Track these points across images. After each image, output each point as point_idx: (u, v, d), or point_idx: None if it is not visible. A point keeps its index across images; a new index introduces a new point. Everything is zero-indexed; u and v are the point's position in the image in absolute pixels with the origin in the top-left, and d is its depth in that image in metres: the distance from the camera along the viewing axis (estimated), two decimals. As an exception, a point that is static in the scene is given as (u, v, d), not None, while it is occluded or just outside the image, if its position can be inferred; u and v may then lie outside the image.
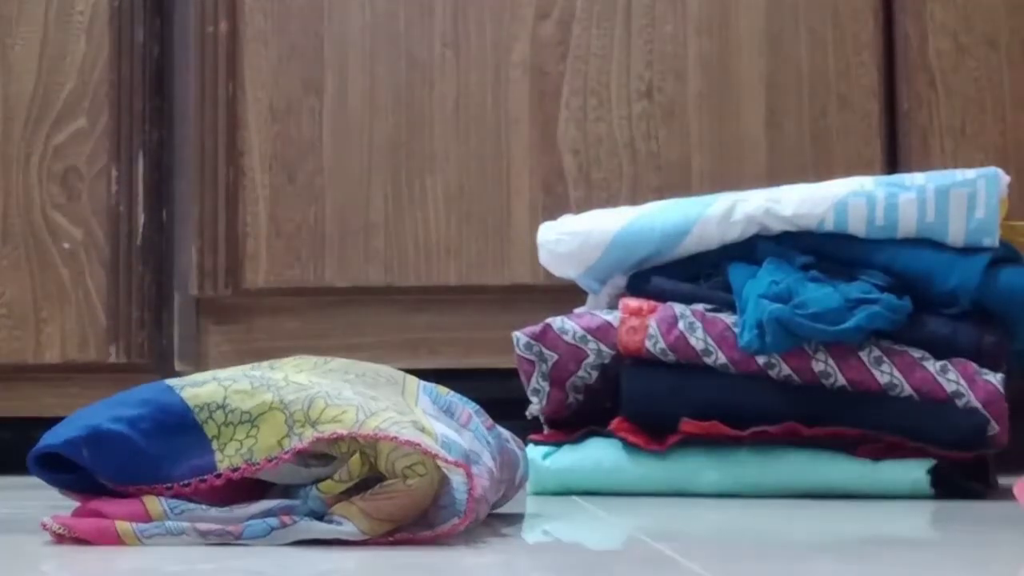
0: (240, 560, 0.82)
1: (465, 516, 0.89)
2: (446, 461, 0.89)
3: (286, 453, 0.89)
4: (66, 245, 1.81)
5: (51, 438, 0.93)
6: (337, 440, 0.89)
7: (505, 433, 1.10)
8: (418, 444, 0.88)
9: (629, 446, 1.41)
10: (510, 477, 1.09)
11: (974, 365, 1.36)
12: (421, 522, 0.90)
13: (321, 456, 0.90)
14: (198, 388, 0.93)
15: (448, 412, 1.03)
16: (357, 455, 0.89)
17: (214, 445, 0.91)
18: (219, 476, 0.90)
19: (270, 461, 0.89)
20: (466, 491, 0.89)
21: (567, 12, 1.77)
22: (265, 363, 1.04)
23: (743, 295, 1.39)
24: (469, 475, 0.89)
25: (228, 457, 0.90)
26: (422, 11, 1.78)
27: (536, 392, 1.45)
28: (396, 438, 0.88)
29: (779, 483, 1.37)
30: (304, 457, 0.90)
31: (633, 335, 1.41)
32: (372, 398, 0.94)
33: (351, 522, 0.88)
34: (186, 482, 0.90)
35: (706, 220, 1.45)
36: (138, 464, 0.90)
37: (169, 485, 0.90)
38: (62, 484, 0.94)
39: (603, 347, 1.44)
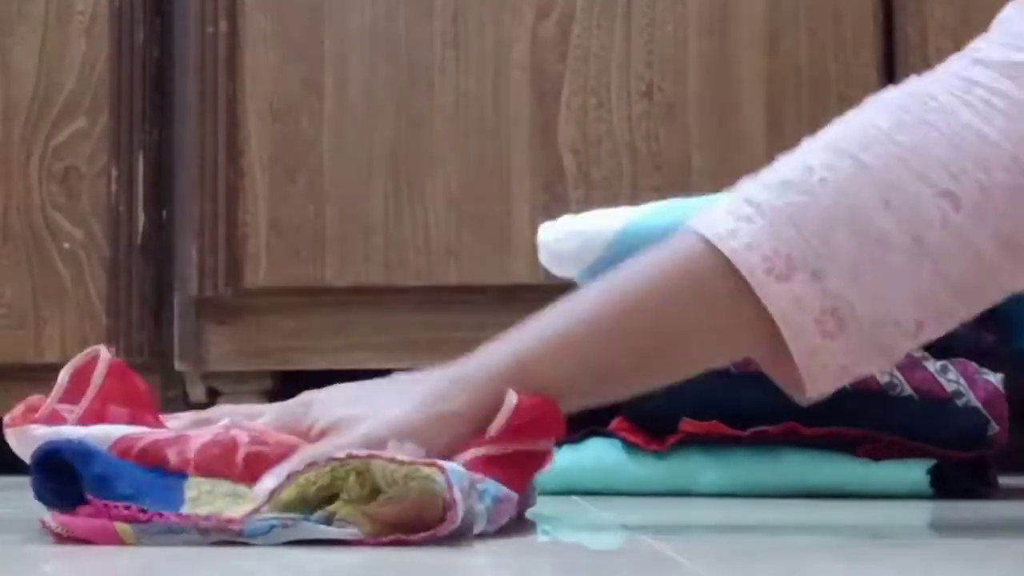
0: (241, 560, 0.82)
1: (452, 506, 0.88)
2: (416, 463, 0.88)
3: (263, 504, 0.88)
4: (66, 245, 1.81)
5: (60, 443, 0.92)
6: (319, 470, 0.89)
7: None
8: (394, 457, 0.88)
9: (629, 446, 1.41)
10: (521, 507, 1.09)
11: (974, 365, 1.36)
12: (420, 530, 0.90)
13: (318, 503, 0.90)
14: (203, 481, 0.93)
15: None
16: (353, 475, 0.88)
17: (186, 507, 0.90)
18: (180, 516, 0.89)
19: (239, 520, 0.88)
20: (446, 487, 0.89)
21: (567, 12, 1.77)
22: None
23: (743, 295, 1.39)
24: (441, 470, 0.89)
25: (196, 509, 0.90)
26: (422, 11, 1.78)
27: (536, 392, 1.45)
28: (360, 456, 0.88)
29: (779, 483, 1.37)
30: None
31: (633, 335, 1.41)
32: None
33: (353, 524, 0.88)
34: (143, 509, 0.89)
35: (706, 220, 1.44)
36: (111, 478, 0.90)
37: (128, 505, 0.89)
38: (51, 492, 0.94)
39: (603, 347, 1.44)
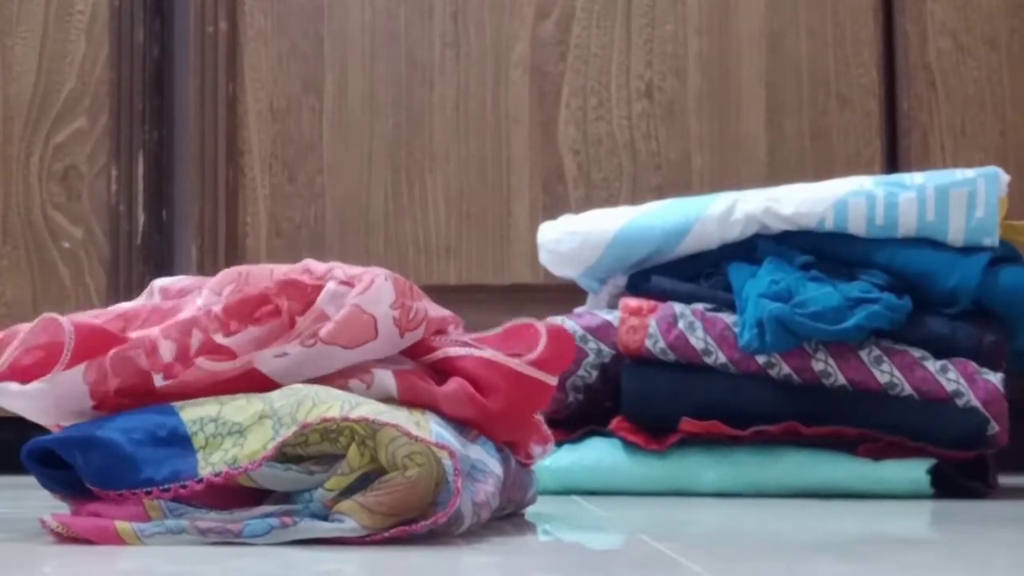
0: (241, 560, 0.82)
1: (455, 496, 0.88)
2: (426, 443, 0.88)
3: (269, 452, 0.89)
4: (66, 245, 1.81)
5: (50, 437, 0.93)
6: (326, 427, 0.89)
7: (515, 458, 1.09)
8: (408, 431, 0.88)
9: (629, 445, 1.41)
10: (520, 498, 1.09)
11: (974, 365, 1.36)
12: (419, 519, 0.90)
13: (323, 461, 0.90)
14: (197, 406, 0.93)
15: (457, 428, 1.03)
16: (354, 446, 0.88)
17: (199, 455, 0.90)
18: (200, 482, 0.89)
19: (253, 463, 0.89)
20: (453, 474, 0.89)
21: (567, 12, 1.77)
22: None
23: (743, 294, 1.39)
24: (452, 455, 0.89)
25: (211, 464, 0.90)
26: (422, 11, 1.78)
27: (536, 392, 1.45)
28: (375, 421, 0.88)
29: (779, 483, 1.37)
30: (308, 464, 0.90)
31: (633, 335, 1.41)
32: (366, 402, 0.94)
33: (351, 518, 0.88)
34: (166, 487, 0.90)
35: (706, 219, 1.45)
36: (121, 468, 0.90)
37: (149, 490, 0.90)
38: (54, 480, 0.94)
39: (603, 346, 1.44)
